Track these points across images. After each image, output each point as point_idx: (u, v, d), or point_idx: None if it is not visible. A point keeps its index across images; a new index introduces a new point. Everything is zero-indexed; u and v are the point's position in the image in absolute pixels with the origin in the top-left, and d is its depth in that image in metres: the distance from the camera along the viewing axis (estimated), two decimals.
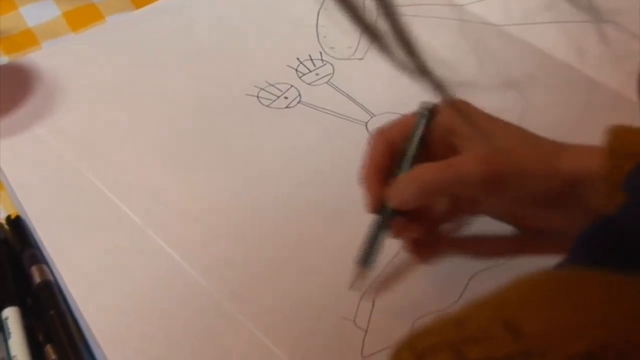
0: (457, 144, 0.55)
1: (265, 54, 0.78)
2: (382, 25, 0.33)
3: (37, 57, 0.78)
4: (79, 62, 0.78)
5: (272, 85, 0.74)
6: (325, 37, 0.79)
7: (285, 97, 0.73)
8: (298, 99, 0.73)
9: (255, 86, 0.74)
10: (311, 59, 0.77)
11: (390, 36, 0.33)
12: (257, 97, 0.74)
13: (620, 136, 0.53)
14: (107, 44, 0.80)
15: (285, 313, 0.58)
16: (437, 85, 0.33)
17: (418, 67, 0.33)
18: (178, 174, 0.68)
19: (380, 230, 0.55)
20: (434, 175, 0.54)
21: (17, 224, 0.65)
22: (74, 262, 0.62)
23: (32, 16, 0.84)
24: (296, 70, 0.76)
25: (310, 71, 0.76)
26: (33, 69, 0.77)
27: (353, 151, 0.67)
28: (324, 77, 0.75)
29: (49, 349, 0.57)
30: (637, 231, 0.37)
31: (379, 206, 0.55)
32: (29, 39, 0.82)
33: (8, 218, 0.66)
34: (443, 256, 0.57)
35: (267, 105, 0.73)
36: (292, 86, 0.74)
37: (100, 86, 0.76)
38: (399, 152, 0.56)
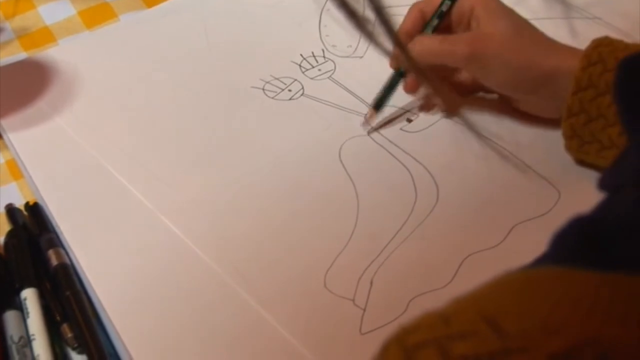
0: (472, 24, 0.66)
1: (271, 51, 0.79)
2: (371, 16, 0.35)
3: (54, 53, 0.79)
4: (93, 57, 0.79)
5: (277, 79, 0.76)
6: (327, 35, 0.80)
7: (289, 90, 0.74)
8: (301, 91, 0.74)
9: (261, 79, 0.76)
10: (314, 56, 0.78)
11: (377, 26, 0.35)
12: (263, 89, 0.75)
13: (600, 45, 0.61)
14: (121, 40, 0.81)
15: (287, 293, 0.59)
16: (415, 64, 0.37)
17: (402, 54, 0.36)
18: (189, 162, 0.69)
19: (393, 82, 0.69)
20: (430, 46, 0.66)
21: (35, 210, 0.66)
22: (89, 245, 0.63)
23: (49, 15, 0.84)
24: (300, 65, 0.77)
25: (313, 67, 0.77)
26: (50, 64, 0.78)
27: (352, 140, 0.70)
28: (326, 72, 0.76)
29: (65, 328, 0.58)
30: (612, 229, 0.37)
31: (397, 63, 0.68)
32: (46, 36, 0.82)
33: (27, 204, 0.67)
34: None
35: (272, 97, 0.74)
36: (295, 80, 0.75)
37: (115, 80, 0.77)
38: (425, 22, 0.68)
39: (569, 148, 0.65)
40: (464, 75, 0.70)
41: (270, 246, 0.63)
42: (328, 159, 0.69)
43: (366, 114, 0.71)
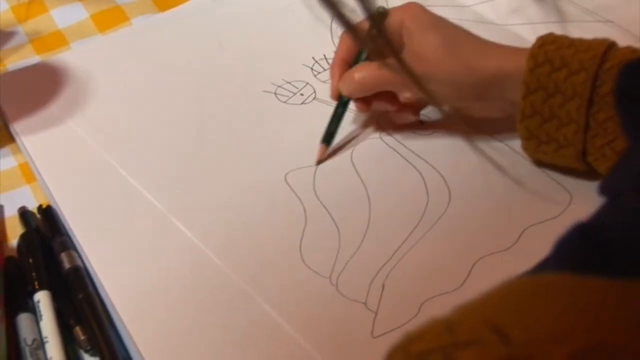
0: (404, 39, 0.65)
1: (283, 54, 0.79)
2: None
3: (67, 57, 0.79)
4: (106, 61, 0.79)
5: (289, 83, 0.76)
6: (339, 38, 0.80)
7: (301, 94, 0.75)
8: (313, 95, 0.74)
9: (273, 83, 0.76)
10: (326, 59, 0.78)
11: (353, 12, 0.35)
12: (275, 93, 0.75)
13: (545, 43, 0.60)
14: (133, 44, 0.81)
15: (299, 296, 0.60)
16: (398, 56, 0.37)
17: (380, 40, 0.36)
18: (201, 165, 0.69)
19: (339, 112, 0.69)
20: (365, 76, 0.66)
21: (48, 213, 0.66)
22: (101, 248, 0.63)
23: (61, 18, 0.85)
24: (311, 68, 0.77)
25: (325, 70, 0.77)
26: (63, 68, 0.78)
27: (364, 143, 0.70)
28: None
29: (78, 331, 0.58)
30: (616, 235, 0.37)
31: (338, 94, 0.68)
32: (59, 39, 0.83)
33: (40, 207, 0.67)
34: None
35: (284, 102, 0.74)
36: (307, 84, 0.76)
37: (127, 83, 0.77)
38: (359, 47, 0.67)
39: (526, 149, 0.65)
40: (408, 93, 0.69)
41: (282, 249, 0.63)
42: (340, 163, 0.69)
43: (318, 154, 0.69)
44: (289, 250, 0.63)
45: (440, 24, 0.65)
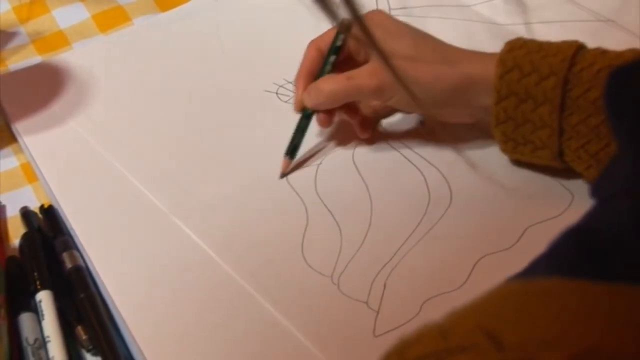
0: (370, 51, 0.65)
1: (284, 54, 0.78)
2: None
3: (69, 57, 0.80)
4: (108, 61, 0.79)
5: (291, 83, 0.75)
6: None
7: None
8: None
9: (274, 83, 0.76)
10: None
11: (343, 9, 0.36)
12: (276, 93, 0.75)
13: (513, 48, 0.60)
14: (135, 44, 0.82)
15: (301, 296, 0.60)
16: (383, 55, 0.37)
17: (366, 38, 0.37)
18: (202, 164, 0.69)
19: (303, 125, 0.67)
20: (333, 87, 0.65)
21: (50, 213, 0.67)
22: (103, 248, 0.63)
23: (63, 19, 0.85)
24: None
25: None
26: (65, 68, 0.78)
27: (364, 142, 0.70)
28: None
29: (80, 330, 0.58)
30: (608, 239, 0.37)
31: (302, 106, 0.67)
32: (60, 40, 0.83)
33: (41, 207, 0.67)
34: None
35: (286, 101, 0.74)
36: None
37: (128, 84, 0.77)
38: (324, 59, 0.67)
39: (504, 150, 0.65)
40: (374, 102, 0.69)
41: (283, 249, 0.63)
42: (341, 162, 0.69)
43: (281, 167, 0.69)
44: (290, 249, 0.63)
45: (405, 30, 0.65)
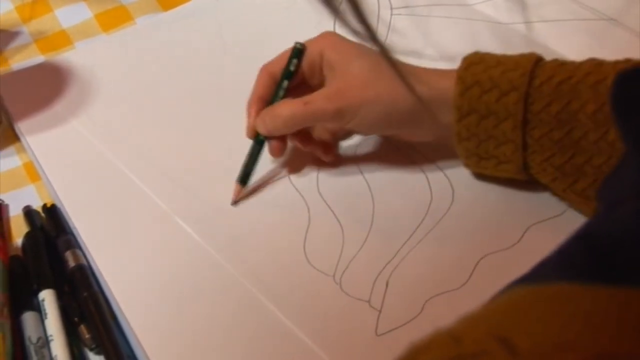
0: (325, 72, 0.64)
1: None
2: None
3: (71, 56, 0.80)
4: (110, 60, 0.79)
5: None
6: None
7: None
8: None
9: None
10: None
11: (345, 4, 0.34)
12: None
13: (471, 64, 0.60)
14: (137, 43, 0.81)
15: (303, 295, 0.60)
16: (383, 49, 0.37)
17: (367, 33, 0.36)
18: (205, 164, 0.69)
19: (255, 152, 0.65)
20: (291, 112, 0.63)
21: (52, 212, 0.67)
22: (105, 247, 0.63)
23: (66, 18, 0.85)
24: None
25: None
26: (67, 68, 0.78)
27: (368, 141, 0.70)
28: None
29: (83, 329, 0.59)
30: (618, 242, 0.36)
31: (254, 132, 0.65)
32: (63, 39, 0.83)
33: (44, 206, 0.67)
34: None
35: None
36: None
37: (131, 83, 0.77)
38: (276, 84, 0.65)
39: (467, 165, 0.65)
40: (330, 126, 0.67)
41: (286, 248, 0.63)
42: (343, 162, 0.69)
43: (234, 194, 0.67)
44: (293, 249, 0.63)
45: (362, 51, 0.63)
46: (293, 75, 0.65)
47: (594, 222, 0.39)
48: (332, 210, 0.65)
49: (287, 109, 0.64)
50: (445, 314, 0.56)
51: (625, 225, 0.38)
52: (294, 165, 0.69)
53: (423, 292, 0.59)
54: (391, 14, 0.79)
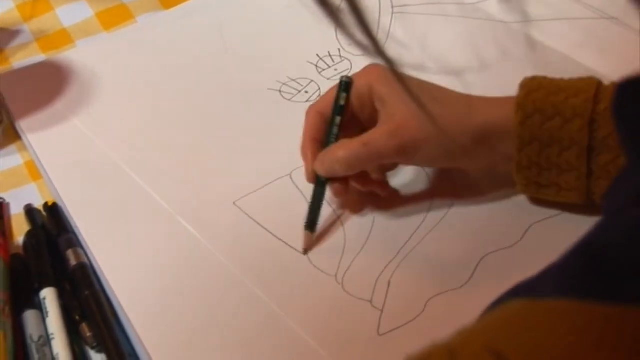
0: (377, 105, 0.62)
1: (287, 51, 0.79)
2: (343, 6, 0.35)
3: (72, 55, 0.80)
4: (111, 59, 0.79)
5: (294, 80, 0.76)
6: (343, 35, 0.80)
7: (306, 92, 0.75)
8: (318, 93, 0.74)
9: (278, 81, 0.76)
10: (330, 56, 0.78)
11: (349, 17, 0.34)
12: (280, 91, 0.75)
13: (531, 91, 0.58)
14: (138, 42, 0.82)
15: (305, 295, 0.60)
16: (390, 63, 0.36)
17: (373, 46, 0.36)
18: (205, 163, 0.69)
19: (319, 195, 0.63)
20: (350, 154, 0.60)
21: (54, 211, 0.67)
22: (107, 245, 0.64)
23: (67, 17, 0.85)
24: (316, 66, 0.77)
25: (329, 67, 0.77)
26: (68, 66, 0.78)
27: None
28: (343, 72, 0.76)
29: (84, 327, 0.59)
30: (616, 257, 0.35)
31: (315, 176, 0.62)
32: (64, 38, 0.83)
33: (45, 205, 0.67)
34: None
35: (289, 99, 0.74)
36: (312, 81, 0.76)
37: (132, 81, 0.77)
38: (328, 122, 0.62)
39: (525, 193, 0.63)
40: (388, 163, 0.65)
41: (287, 247, 0.63)
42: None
43: (303, 242, 0.64)
44: (294, 248, 0.63)
45: (419, 82, 0.57)
46: (344, 109, 0.62)
47: (594, 232, 0.39)
48: (333, 209, 0.65)
49: (347, 151, 0.61)
50: (447, 314, 0.56)
51: (626, 240, 0.37)
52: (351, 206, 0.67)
53: (425, 292, 0.59)
54: (392, 13, 0.80)
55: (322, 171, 0.62)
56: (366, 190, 0.64)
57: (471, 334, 0.33)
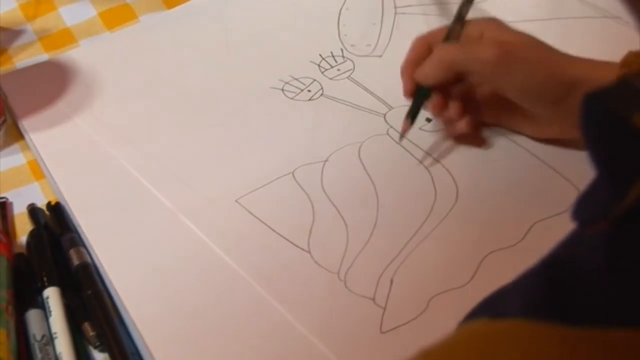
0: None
1: (290, 51, 0.79)
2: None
3: (75, 55, 0.80)
4: (114, 58, 0.79)
5: (296, 79, 0.76)
6: (346, 35, 0.80)
7: (309, 91, 0.75)
8: (320, 92, 0.74)
9: (280, 80, 0.76)
10: (333, 56, 0.78)
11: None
12: (282, 90, 0.75)
13: (635, 57, 0.57)
14: (141, 41, 0.81)
15: (308, 293, 0.60)
16: None
17: None
18: (208, 161, 0.69)
19: (421, 98, 0.67)
20: (452, 53, 0.63)
21: (56, 210, 0.67)
22: (110, 244, 0.63)
23: (70, 16, 0.85)
24: (319, 65, 0.77)
25: (332, 67, 0.77)
26: (71, 66, 0.78)
27: (371, 139, 0.70)
28: (345, 72, 0.76)
29: (87, 327, 0.59)
30: (577, 277, 0.35)
31: (412, 90, 0.67)
32: (67, 37, 0.83)
33: (48, 204, 0.67)
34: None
35: (292, 98, 0.74)
36: (314, 80, 0.76)
37: (134, 81, 0.77)
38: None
39: None
40: (478, 93, 0.68)
41: (290, 246, 0.63)
42: (347, 159, 0.69)
43: (401, 129, 0.69)
44: (297, 246, 0.63)
45: (521, 32, 0.64)
46: (464, 20, 0.66)
47: (562, 245, 0.38)
48: (336, 207, 0.65)
49: (447, 51, 0.65)
50: (450, 312, 0.56)
51: (587, 252, 0.37)
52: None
53: (428, 290, 0.59)
54: (395, 13, 0.80)
55: (420, 75, 0.66)
56: (458, 114, 0.67)
57: (431, 357, 0.34)
